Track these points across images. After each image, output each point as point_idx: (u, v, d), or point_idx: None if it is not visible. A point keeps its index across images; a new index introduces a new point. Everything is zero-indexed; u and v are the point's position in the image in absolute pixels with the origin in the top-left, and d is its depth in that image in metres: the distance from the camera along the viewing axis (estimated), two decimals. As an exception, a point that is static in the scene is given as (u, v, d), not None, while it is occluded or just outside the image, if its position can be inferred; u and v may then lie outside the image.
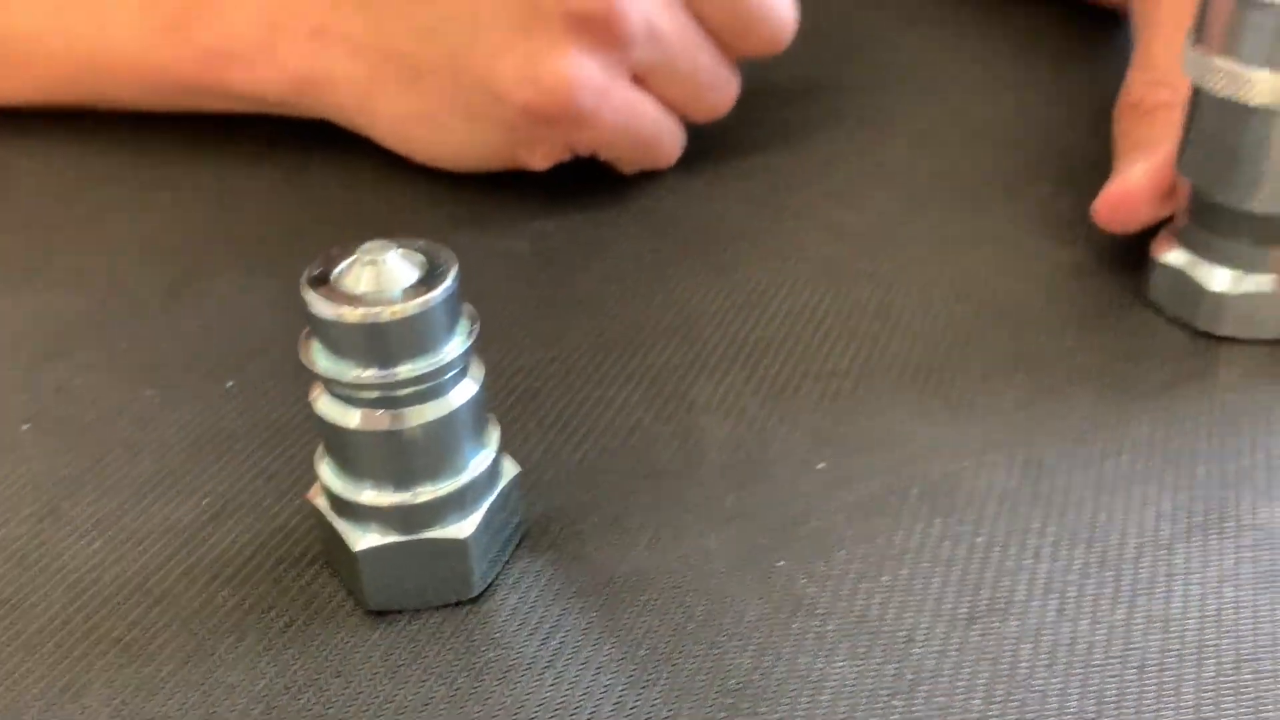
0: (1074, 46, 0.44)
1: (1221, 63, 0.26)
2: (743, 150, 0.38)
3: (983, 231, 0.33)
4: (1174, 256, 0.29)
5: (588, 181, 0.35)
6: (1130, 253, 0.31)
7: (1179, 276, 0.29)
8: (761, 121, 0.39)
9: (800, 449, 0.25)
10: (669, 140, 0.35)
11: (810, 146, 0.38)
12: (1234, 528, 0.23)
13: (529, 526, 0.23)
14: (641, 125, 0.34)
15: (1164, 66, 0.32)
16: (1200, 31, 0.27)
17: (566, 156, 0.34)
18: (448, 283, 0.19)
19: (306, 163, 0.37)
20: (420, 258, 0.20)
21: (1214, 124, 0.27)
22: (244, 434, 0.26)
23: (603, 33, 0.31)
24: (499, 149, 0.34)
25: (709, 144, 0.37)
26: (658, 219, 0.34)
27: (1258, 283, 0.28)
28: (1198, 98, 0.27)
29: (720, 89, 0.35)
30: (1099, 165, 0.33)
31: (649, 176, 0.36)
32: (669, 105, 0.35)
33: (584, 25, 0.31)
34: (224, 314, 0.30)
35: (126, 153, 0.38)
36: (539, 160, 0.34)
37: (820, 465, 0.25)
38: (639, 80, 0.34)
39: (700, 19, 0.34)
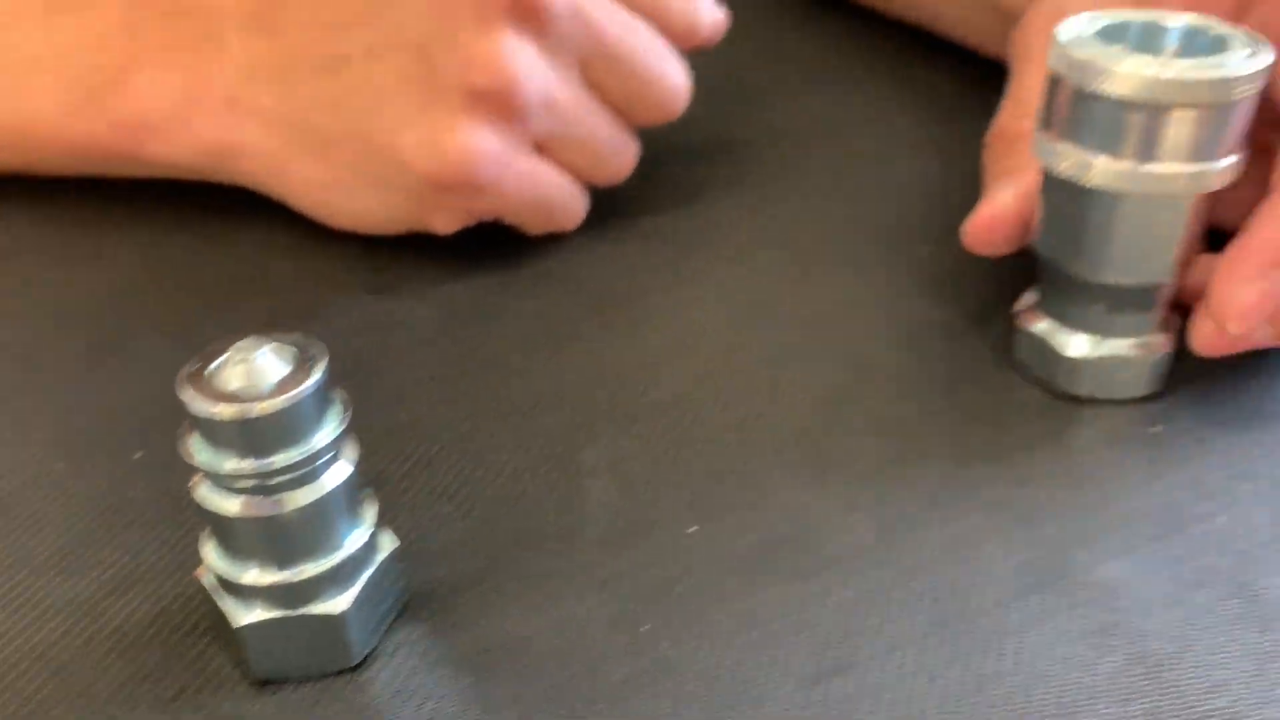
0: (969, 103, 0.46)
1: (1064, 147, 0.28)
2: (645, 211, 0.39)
3: (865, 292, 0.35)
4: (1034, 322, 0.31)
5: (495, 244, 0.37)
6: (1000, 311, 0.33)
7: (1039, 341, 0.31)
8: (664, 182, 0.41)
9: (677, 512, 0.27)
10: (571, 205, 0.37)
11: (709, 207, 0.40)
12: (1070, 586, 0.25)
13: (411, 595, 0.25)
14: (543, 192, 0.35)
15: (1032, 100, 0.33)
16: (1045, 118, 0.28)
17: (472, 221, 0.36)
18: (316, 376, 0.21)
19: (227, 228, 0.38)
20: (292, 350, 0.21)
21: (1061, 203, 0.29)
22: (149, 505, 0.27)
23: (501, 106, 0.33)
24: (406, 215, 0.36)
25: (614, 205, 0.39)
26: (561, 281, 0.36)
27: (1113, 347, 0.30)
28: (1047, 178, 0.29)
29: (619, 154, 0.37)
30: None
31: (555, 238, 0.37)
32: (570, 171, 0.36)
33: (483, 99, 0.33)
34: (138, 383, 0.31)
35: (51, 221, 0.39)
36: (445, 225, 0.35)
37: (693, 529, 0.26)
38: (540, 148, 0.35)
39: (596, 89, 0.35)
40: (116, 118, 0.37)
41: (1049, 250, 0.30)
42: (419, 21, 0.33)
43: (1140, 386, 0.30)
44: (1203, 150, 0.27)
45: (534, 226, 0.37)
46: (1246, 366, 0.31)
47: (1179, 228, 0.28)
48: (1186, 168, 0.27)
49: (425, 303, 0.35)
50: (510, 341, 0.33)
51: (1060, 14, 0.34)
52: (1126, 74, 0.26)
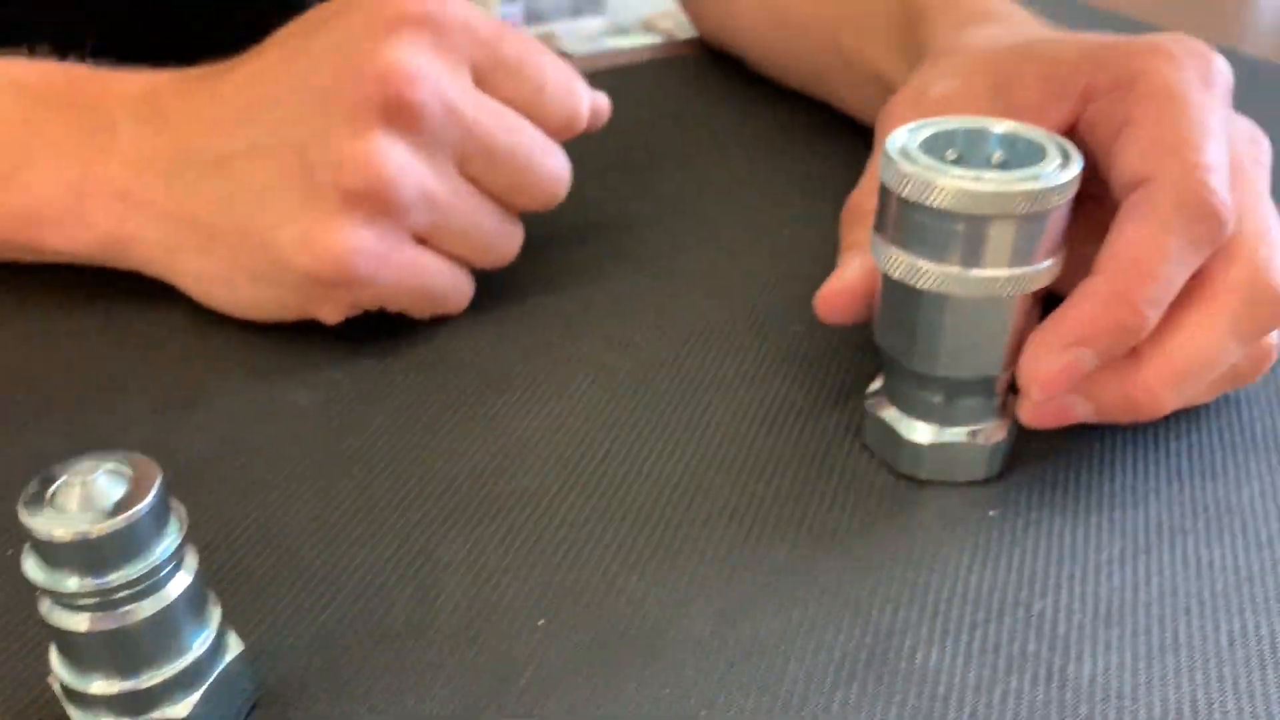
0: (855, 181, 0.48)
1: (895, 252, 0.29)
2: (529, 292, 0.41)
3: (734, 372, 0.36)
4: (880, 408, 0.32)
5: (380, 328, 0.38)
6: (860, 391, 0.35)
7: (884, 426, 0.32)
8: (551, 262, 0.42)
9: (528, 603, 0.28)
10: (455, 292, 0.38)
11: (593, 288, 0.41)
12: (891, 673, 0.26)
13: (264, 692, 0.26)
14: (424, 281, 0.37)
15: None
16: (879, 222, 0.30)
17: (358, 311, 0.37)
18: (151, 496, 0.22)
19: (118, 310, 0.39)
20: (128, 471, 0.22)
21: (896, 300, 0.30)
22: (14, 606, 0.28)
23: (376, 204, 0.34)
24: (292, 306, 0.37)
25: (501, 287, 0.40)
26: (442, 366, 0.37)
27: (951, 434, 0.31)
28: (883, 277, 0.31)
29: (503, 241, 0.38)
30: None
31: (442, 321, 0.39)
32: (454, 258, 0.38)
33: (357, 198, 0.34)
34: (18, 475, 0.32)
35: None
36: (330, 316, 0.37)
37: (541, 621, 0.28)
38: (421, 238, 0.36)
39: (476, 181, 0.37)
40: (12, 210, 0.38)
41: (886, 343, 0.31)
42: (297, 122, 0.35)
43: (978, 471, 0.32)
44: (1022, 255, 0.29)
45: (419, 312, 0.38)
46: (1084, 448, 0.33)
47: (1005, 325, 0.30)
48: (1008, 272, 0.29)
49: (306, 386, 0.36)
50: (381, 431, 0.34)
51: (920, 96, 0.36)
52: (947, 188, 0.28)
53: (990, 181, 0.28)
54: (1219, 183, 0.29)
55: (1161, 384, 0.30)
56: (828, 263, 0.35)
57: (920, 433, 0.31)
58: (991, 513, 0.31)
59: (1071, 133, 0.33)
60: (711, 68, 0.62)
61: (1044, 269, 0.29)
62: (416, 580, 0.29)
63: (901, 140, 0.30)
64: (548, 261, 0.42)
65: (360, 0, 0.35)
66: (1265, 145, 0.34)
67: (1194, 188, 0.29)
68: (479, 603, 0.28)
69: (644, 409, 0.35)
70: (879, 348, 0.32)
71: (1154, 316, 0.29)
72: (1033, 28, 0.39)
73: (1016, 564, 0.29)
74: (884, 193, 0.30)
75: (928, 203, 0.28)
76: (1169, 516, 0.31)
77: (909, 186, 0.28)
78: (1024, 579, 0.29)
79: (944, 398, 0.31)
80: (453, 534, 0.30)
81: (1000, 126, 0.31)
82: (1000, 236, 0.28)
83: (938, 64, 0.37)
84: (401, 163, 0.34)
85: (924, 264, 0.29)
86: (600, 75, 0.61)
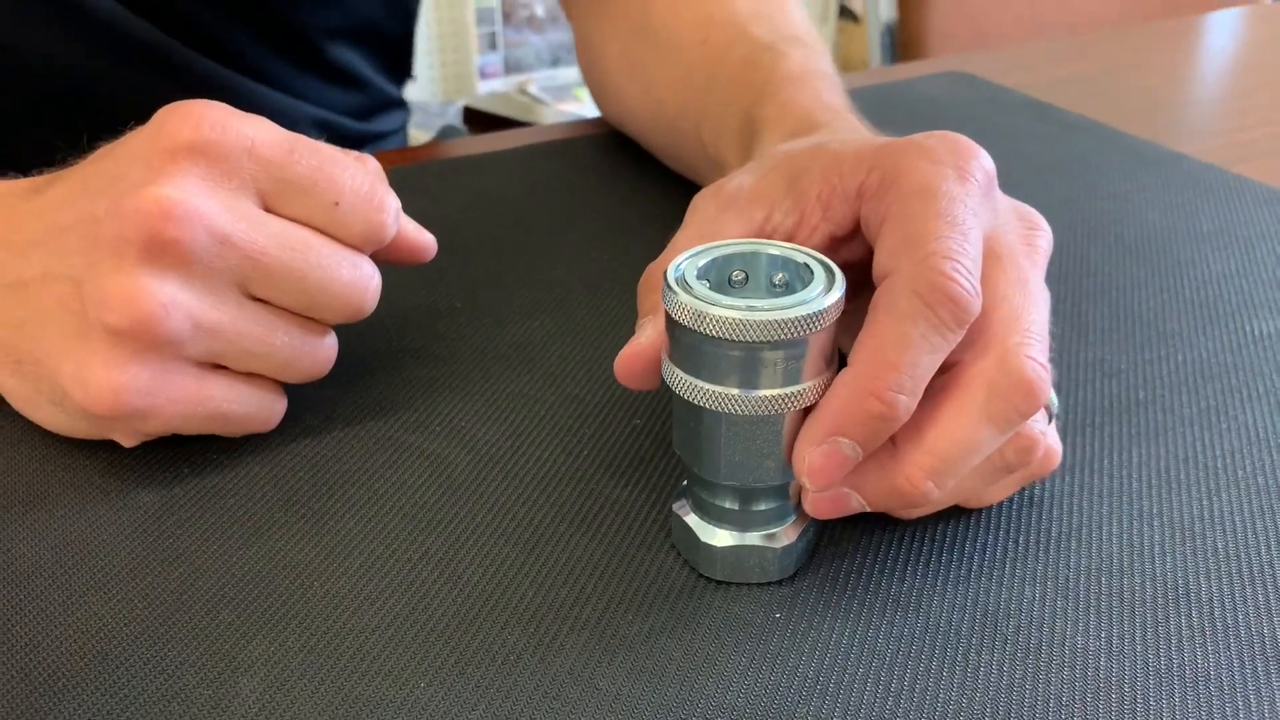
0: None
1: (679, 372, 0.31)
2: (368, 392, 0.42)
3: (567, 469, 0.38)
4: (684, 511, 0.34)
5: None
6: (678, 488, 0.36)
7: (686, 528, 0.33)
8: (382, 354, 0.44)
9: (319, 712, 0.29)
10: (260, 411, 0.38)
11: (432, 386, 0.43)
12: (647, 781, 0.27)
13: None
14: (212, 408, 0.36)
15: (676, 251, 0.35)
16: (667, 342, 0.32)
17: (152, 437, 0.37)
18: None
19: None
20: None
21: (683, 413, 0.32)
22: None
23: (143, 339, 0.34)
24: (87, 430, 0.37)
25: (357, 376, 0.42)
26: (284, 463, 0.38)
27: (745, 538, 0.33)
28: (672, 394, 0.32)
29: (309, 355, 0.38)
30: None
31: (291, 418, 0.40)
32: (256, 378, 0.38)
33: (122, 335, 0.34)
34: None
35: None
36: (125, 441, 0.37)
37: (325, 727, 0.29)
38: (213, 363, 0.36)
39: (268, 301, 0.36)
40: None
41: (681, 450, 0.33)
42: (77, 254, 0.35)
43: (771, 573, 0.33)
44: (793, 375, 0.30)
45: (224, 433, 0.38)
46: (881, 548, 0.34)
47: (779, 438, 0.31)
48: (780, 391, 0.30)
49: (154, 485, 0.37)
50: (215, 527, 0.35)
51: (720, 190, 0.37)
52: (720, 318, 0.29)
53: (760, 311, 0.29)
54: (955, 268, 0.30)
55: (920, 473, 0.31)
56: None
57: (717, 536, 0.33)
58: (777, 615, 0.32)
59: (856, 231, 0.35)
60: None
61: (813, 386, 0.30)
62: (215, 684, 0.30)
63: (681, 268, 0.31)
64: (384, 352, 0.44)
65: (144, 130, 0.36)
66: (1042, 231, 0.35)
67: (928, 275, 0.30)
68: (269, 709, 0.29)
69: (471, 508, 0.36)
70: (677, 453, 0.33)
71: (905, 403, 0.30)
72: (850, 134, 0.41)
73: (789, 669, 0.30)
74: (666, 316, 0.31)
75: (702, 330, 0.30)
76: (946, 620, 0.32)
77: (685, 315, 0.30)
78: (796, 683, 0.30)
79: (737, 503, 0.33)
80: (260, 637, 0.31)
81: (774, 249, 0.32)
82: (772, 361, 0.30)
83: (747, 165, 0.39)
84: (167, 298, 0.34)
85: (702, 384, 0.30)
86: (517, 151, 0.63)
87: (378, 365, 0.43)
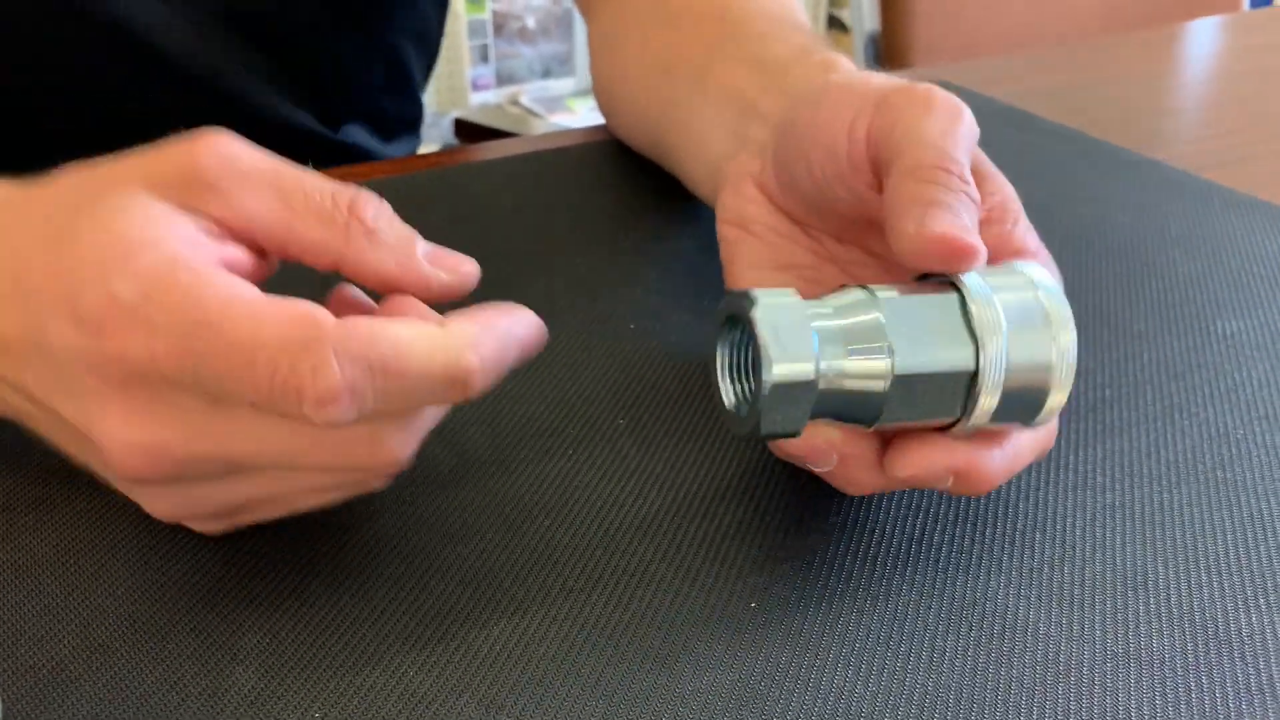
0: (704, 289, 0.51)
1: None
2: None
3: (548, 468, 0.39)
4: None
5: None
6: (660, 480, 0.37)
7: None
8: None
9: (309, 696, 0.31)
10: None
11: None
12: (626, 761, 0.29)
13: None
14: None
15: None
16: None
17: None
18: None
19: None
20: None
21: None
22: None
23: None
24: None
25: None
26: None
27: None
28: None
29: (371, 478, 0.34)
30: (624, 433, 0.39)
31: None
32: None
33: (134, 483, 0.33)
34: None
35: None
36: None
37: (317, 715, 0.30)
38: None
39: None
40: None
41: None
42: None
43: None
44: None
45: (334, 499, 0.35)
46: (852, 540, 0.36)
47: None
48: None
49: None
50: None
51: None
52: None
53: None
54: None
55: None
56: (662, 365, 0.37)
57: None
58: (753, 604, 0.33)
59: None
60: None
61: None
62: (212, 674, 0.31)
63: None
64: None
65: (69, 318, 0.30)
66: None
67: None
68: (264, 698, 0.31)
69: (458, 505, 0.38)
70: None
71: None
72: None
73: (763, 656, 0.32)
74: None
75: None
76: (913, 608, 0.33)
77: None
78: (773, 672, 0.31)
79: None
80: (256, 628, 0.33)
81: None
82: None
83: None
84: (166, 506, 0.33)
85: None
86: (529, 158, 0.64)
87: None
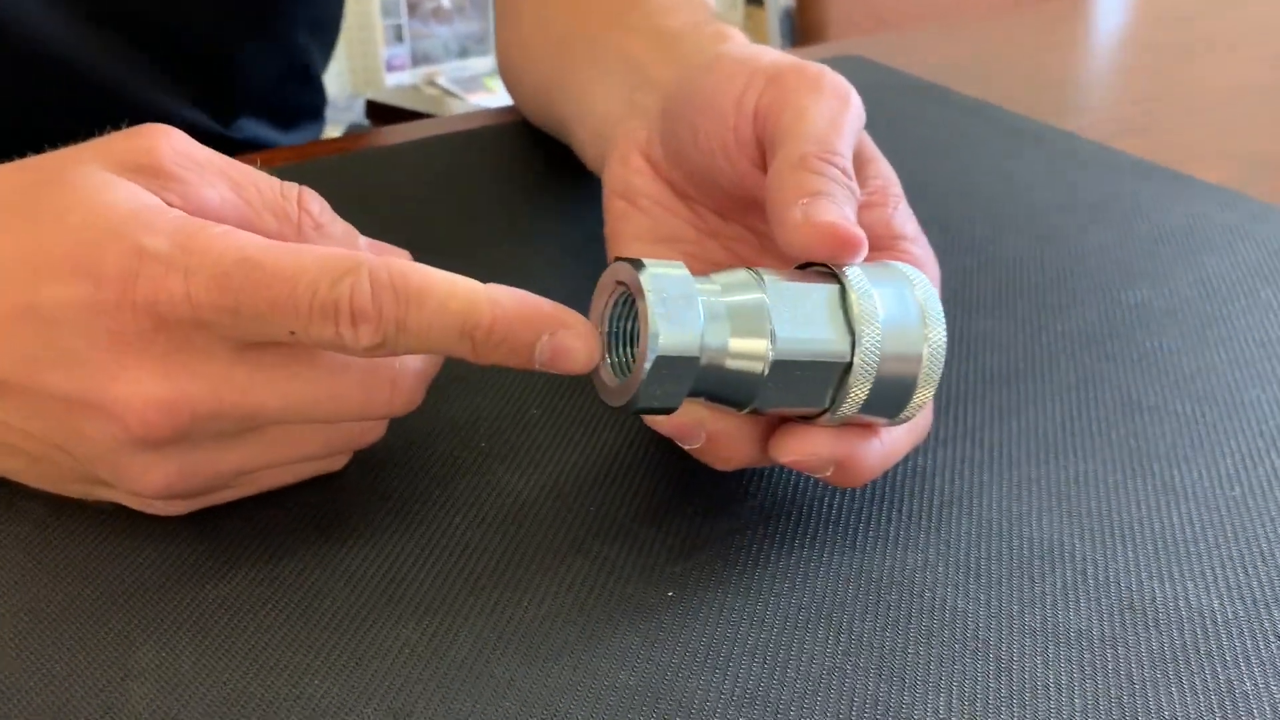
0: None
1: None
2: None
3: (459, 462, 0.38)
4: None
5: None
6: (574, 481, 0.37)
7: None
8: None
9: (210, 713, 0.29)
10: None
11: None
12: (540, 763, 0.28)
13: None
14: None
15: None
16: None
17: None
18: None
19: None
20: None
21: None
22: None
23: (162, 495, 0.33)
24: None
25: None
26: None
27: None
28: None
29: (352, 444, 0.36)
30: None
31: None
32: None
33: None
34: None
35: None
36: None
37: (218, 728, 0.29)
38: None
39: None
40: None
41: None
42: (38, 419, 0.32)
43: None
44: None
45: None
46: (764, 521, 0.35)
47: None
48: None
49: (34, 497, 0.37)
50: (103, 534, 0.35)
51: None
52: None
53: None
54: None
55: None
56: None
57: None
58: (670, 593, 0.33)
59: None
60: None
61: None
62: (105, 692, 0.30)
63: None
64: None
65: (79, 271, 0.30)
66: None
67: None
68: (160, 713, 0.29)
69: (363, 506, 0.36)
70: None
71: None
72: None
73: (680, 645, 0.31)
74: None
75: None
76: (831, 591, 0.33)
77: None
78: (684, 661, 0.31)
79: None
80: (149, 642, 0.31)
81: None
82: None
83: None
84: (173, 470, 0.33)
85: None
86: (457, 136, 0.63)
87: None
